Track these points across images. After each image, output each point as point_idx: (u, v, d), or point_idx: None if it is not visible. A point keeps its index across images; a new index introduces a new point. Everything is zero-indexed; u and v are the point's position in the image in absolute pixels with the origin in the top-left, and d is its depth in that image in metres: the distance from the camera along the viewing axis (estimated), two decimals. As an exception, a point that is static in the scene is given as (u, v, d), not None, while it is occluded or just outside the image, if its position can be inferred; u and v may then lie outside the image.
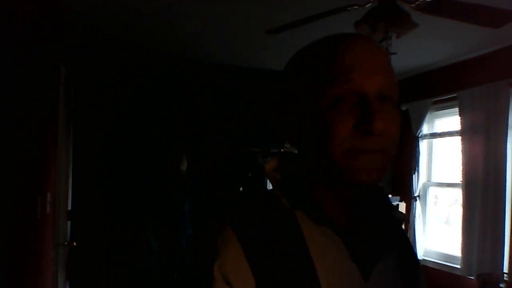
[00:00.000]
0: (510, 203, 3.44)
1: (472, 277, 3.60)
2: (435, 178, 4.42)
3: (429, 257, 4.26)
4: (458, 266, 3.79)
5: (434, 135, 4.39)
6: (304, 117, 0.69)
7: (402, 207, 4.41)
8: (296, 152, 0.75)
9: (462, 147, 3.81)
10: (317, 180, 0.71)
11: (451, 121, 4.17)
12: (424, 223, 4.37)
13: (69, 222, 3.45)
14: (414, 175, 4.35)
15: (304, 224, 0.67)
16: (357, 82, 0.64)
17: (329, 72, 0.66)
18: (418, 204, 4.35)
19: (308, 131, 0.69)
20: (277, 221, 0.67)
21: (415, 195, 4.35)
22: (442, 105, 4.16)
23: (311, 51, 0.71)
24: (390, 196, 4.49)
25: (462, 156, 3.80)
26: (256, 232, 0.65)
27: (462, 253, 3.72)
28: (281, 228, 0.66)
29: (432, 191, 4.45)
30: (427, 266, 4.25)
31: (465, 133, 3.77)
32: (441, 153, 4.42)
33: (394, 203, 4.40)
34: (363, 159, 0.65)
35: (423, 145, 4.39)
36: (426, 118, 4.28)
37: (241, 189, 4.18)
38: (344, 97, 0.64)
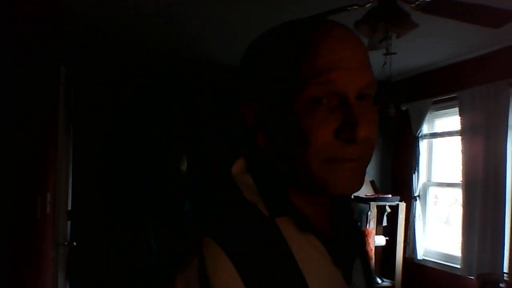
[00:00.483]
0: (510, 203, 3.44)
1: (472, 277, 3.60)
2: (435, 178, 4.42)
3: (429, 257, 4.26)
4: (458, 266, 3.79)
5: (434, 135, 4.39)
6: (274, 119, 0.61)
7: (402, 207, 4.42)
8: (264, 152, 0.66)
9: (462, 147, 3.81)
10: (292, 185, 0.64)
11: (451, 121, 4.17)
12: (424, 223, 4.38)
13: (69, 222, 3.46)
14: (414, 175, 4.35)
15: (287, 233, 0.61)
16: (338, 82, 0.57)
17: (305, 69, 0.57)
18: (418, 204, 4.35)
19: (280, 135, 0.61)
20: (260, 232, 0.60)
21: (415, 195, 4.35)
22: (442, 105, 4.16)
23: (279, 40, 0.61)
24: (390, 196, 4.49)
25: (462, 156, 3.80)
26: (244, 247, 0.57)
27: (462, 253, 3.72)
28: (266, 240, 0.59)
29: (432, 191, 4.45)
30: (427, 266, 4.25)
31: (465, 133, 3.77)
32: (441, 153, 4.42)
33: (394, 203, 4.41)
34: (343, 169, 0.59)
35: (423, 145, 4.39)
36: (426, 118, 4.28)
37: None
38: (322, 98, 0.57)
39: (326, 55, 0.57)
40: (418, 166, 4.34)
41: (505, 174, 3.41)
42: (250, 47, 0.66)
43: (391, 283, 4.42)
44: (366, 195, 4.42)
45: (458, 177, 3.95)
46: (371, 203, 4.31)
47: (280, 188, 0.64)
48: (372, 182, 4.75)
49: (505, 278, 3.37)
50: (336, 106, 0.58)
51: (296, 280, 0.59)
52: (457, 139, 3.92)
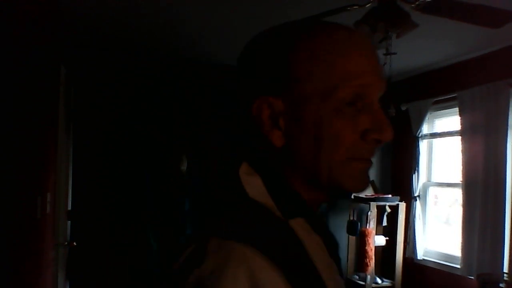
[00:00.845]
0: (510, 203, 3.44)
1: (472, 277, 3.60)
2: (435, 178, 4.42)
3: (429, 257, 4.26)
4: (458, 266, 3.79)
5: (434, 135, 4.39)
6: (301, 118, 0.62)
7: (402, 207, 4.41)
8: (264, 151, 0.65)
9: (462, 147, 3.81)
10: (302, 183, 0.64)
11: (451, 121, 4.17)
12: (424, 223, 4.37)
13: (69, 222, 3.46)
14: (414, 175, 4.35)
15: (299, 234, 0.61)
16: (368, 86, 0.61)
17: (338, 72, 0.60)
18: (418, 204, 4.35)
19: (306, 134, 0.62)
20: (285, 237, 0.60)
21: (415, 195, 4.35)
22: (442, 105, 4.16)
23: (306, 40, 0.62)
24: (390, 196, 4.49)
25: (462, 156, 3.80)
26: (281, 254, 0.56)
27: (462, 253, 3.72)
28: (291, 244, 0.60)
29: (432, 191, 4.45)
30: (427, 266, 4.25)
31: (465, 133, 3.77)
32: (441, 153, 4.42)
33: (394, 203, 4.41)
34: (362, 167, 0.63)
35: (423, 145, 4.39)
36: (426, 118, 4.28)
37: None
38: (352, 100, 0.60)
39: (359, 61, 0.60)
40: (418, 166, 4.34)
41: (505, 174, 3.41)
42: (272, 42, 0.64)
43: (391, 283, 4.42)
44: (366, 195, 4.42)
45: (458, 177, 3.95)
46: (371, 203, 4.31)
47: (293, 189, 0.64)
48: (372, 182, 4.74)
49: (505, 278, 3.37)
50: (362, 108, 0.61)
51: (319, 282, 0.59)
52: (457, 139, 3.92)
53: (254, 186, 0.63)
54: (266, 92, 0.62)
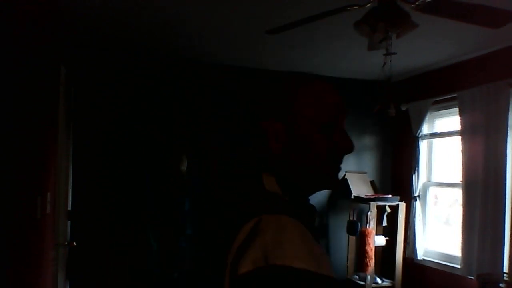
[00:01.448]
0: (510, 203, 3.45)
1: (472, 277, 3.60)
2: (435, 178, 4.42)
3: (429, 257, 4.26)
4: (458, 266, 3.79)
5: (434, 135, 4.39)
6: (297, 136, 0.89)
7: (402, 207, 4.41)
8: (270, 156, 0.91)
9: (462, 147, 3.81)
10: (294, 180, 0.91)
11: (451, 121, 4.17)
12: (424, 223, 4.38)
13: (69, 222, 3.46)
14: (414, 175, 4.35)
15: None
16: (339, 115, 0.90)
17: (321, 105, 0.90)
18: (418, 204, 4.35)
19: (299, 146, 0.89)
20: (298, 214, 0.83)
21: (415, 195, 4.35)
22: (442, 105, 4.16)
23: (300, 87, 0.92)
24: (390, 196, 4.49)
25: (462, 156, 3.80)
26: (304, 221, 0.80)
27: (462, 253, 3.72)
28: (303, 219, 0.82)
29: (432, 191, 4.45)
30: (427, 266, 4.25)
31: (465, 133, 3.78)
32: (441, 153, 4.42)
33: (394, 203, 4.41)
34: (337, 170, 0.91)
35: (423, 145, 4.40)
36: (426, 118, 4.28)
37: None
38: (331, 124, 0.89)
39: (333, 99, 0.91)
40: (418, 166, 4.34)
41: (505, 174, 3.41)
42: (279, 87, 0.93)
43: (391, 283, 4.42)
44: (366, 195, 4.42)
45: (458, 177, 3.95)
46: (371, 203, 4.31)
47: (295, 187, 0.90)
48: (372, 182, 4.74)
49: (505, 278, 3.37)
50: (335, 130, 0.90)
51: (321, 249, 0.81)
52: (457, 139, 3.92)
53: (270, 183, 0.90)
54: (272, 117, 0.91)
